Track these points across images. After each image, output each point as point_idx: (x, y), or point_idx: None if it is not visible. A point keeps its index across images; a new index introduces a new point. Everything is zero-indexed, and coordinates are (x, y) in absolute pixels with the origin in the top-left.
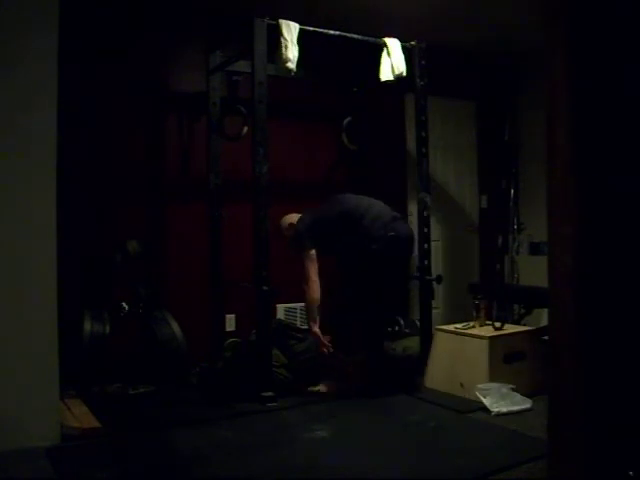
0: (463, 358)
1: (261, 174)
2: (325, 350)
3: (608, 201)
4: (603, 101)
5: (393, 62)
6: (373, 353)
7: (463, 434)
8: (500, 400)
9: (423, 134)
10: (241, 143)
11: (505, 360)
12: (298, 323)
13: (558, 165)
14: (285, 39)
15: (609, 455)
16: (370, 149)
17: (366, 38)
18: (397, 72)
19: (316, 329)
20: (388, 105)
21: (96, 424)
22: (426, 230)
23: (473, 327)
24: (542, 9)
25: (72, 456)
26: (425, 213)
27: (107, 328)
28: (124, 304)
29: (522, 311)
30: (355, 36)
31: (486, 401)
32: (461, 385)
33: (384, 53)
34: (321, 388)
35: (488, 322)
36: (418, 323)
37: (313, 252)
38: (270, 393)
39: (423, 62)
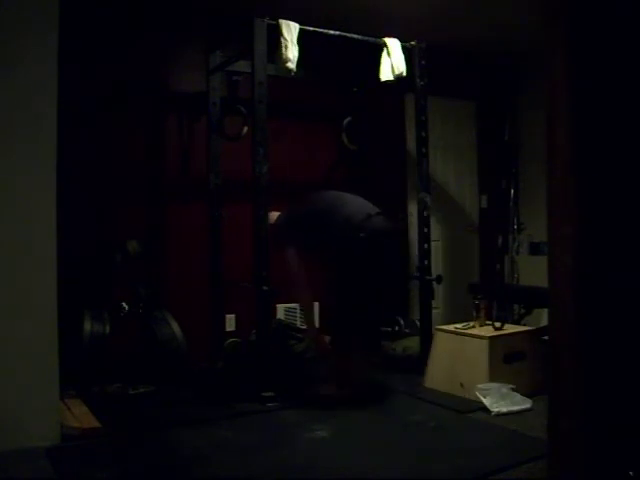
0: (463, 358)
1: (261, 174)
2: (323, 350)
3: (608, 201)
4: (603, 101)
5: (393, 62)
6: (359, 349)
7: (463, 434)
8: (500, 400)
9: (423, 134)
10: (241, 143)
11: (505, 360)
12: (298, 323)
13: (558, 165)
14: (285, 39)
15: (609, 455)
16: (370, 149)
17: (366, 38)
18: (397, 72)
19: (313, 329)
20: (388, 105)
21: (96, 424)
22: (426, 230)
23: (473, 327)
24: (542, 9)
25: (72, 456)
26: (425, 213)
27: (107, 328)
28: (124, 304)
29: (522, 311)
30: (355, 36)
31: (486, 401)
32: (461, 385)
33: (384, 53)
34: (322, 388)
35: (488, 322)
36: (418, 323)
37: (294, 250)
38: (270, 393)
39: (423, 62)
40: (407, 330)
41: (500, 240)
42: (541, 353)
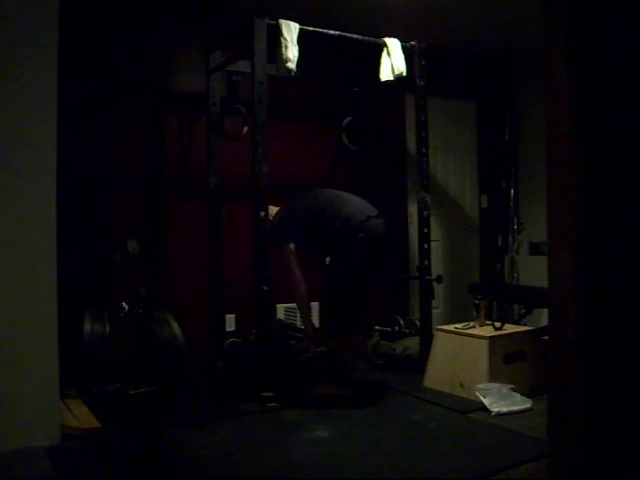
0: (463, 358)
1: (261, 174)
2: (317, 344)
3: (608, 201)
4: (603, 101)
5: (393, 62)
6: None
7: (463, 434)
8: (500, 400)
9: (423, 134)
10: (241, 143)
11: (505, 360)
12: (298, 323)
13: (558, 165)
14: (285, 39)
15: (609, 455)
16: (370, 149)
17: (366, 38)
18: (397, 72)
19: (310, 327)
20: (388, 105)
21: (96, 424)
22: (426, 230)
23: (473, 327)
24: (542, 9)
25: (72, 456)
26: (425, 213)
27: (107, 328)
28: (124, 304)
29: (522, 311)
30: (355, 36)
31: (486, 401)
32: (461, 385)
33: (384, 53)
34: (322, 388)
35: (488, 322)
36: (418, 323)
37: (292, 246)
38: (270, 393)
39: (423, 62)
40: (407, 330)
41: (500, 240)
42: (541, 353)
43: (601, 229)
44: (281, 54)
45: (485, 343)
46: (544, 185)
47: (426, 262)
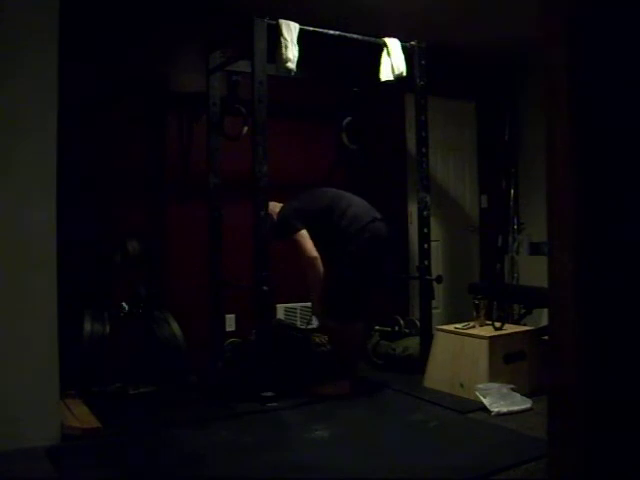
0: (463, 358)
1: (261, 174)
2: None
3: (608, 201)
4: (604, 100)
5: (393, 62)
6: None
7: (463, 434)
8: (500, 400)
9: (423, 134)
10: (241, 143)
11: (505, 360)
12: (298, 323)
13: (558, 165)
14: (285, 39)
15: (609, 455)
16: (370, 149)
17: (366, 38)
18: (397, 72)
19: (318, 306)
20: (388, 105)
21: (96, 424)
22: (426, 230)
23: (473, 327)
24: (542, 8)
25: (72, 456)
26: (425, 213)
27: (107, 328)
28: (124, 304)
29: (522, 311)
30: (355, 36)
31: (486, 401)
32: (461, 385)
33: (384, 53)
34: (322, 388)
35: (488, 322)
36: (418, 323)
37: (304, 231)
38: (270, 393)
39: (423, 62)
40: (407, 330)
41: (500, 240)
42: (541, 353)
43: (601, 229)
44: (281, 54)
45: (485, 343)
46: (544, 185)
47: (426, 262)
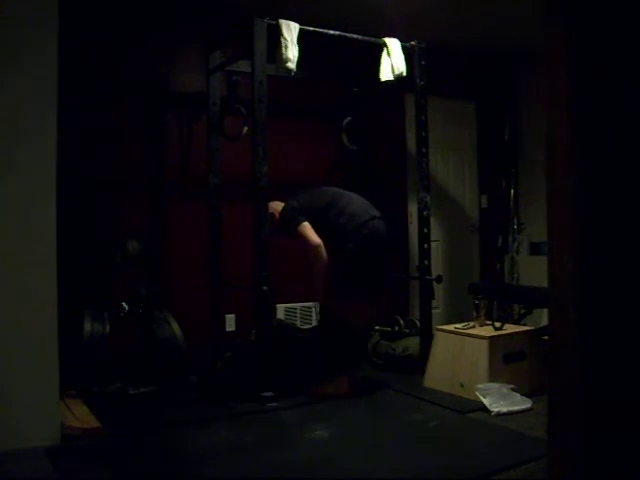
0: (463, 358)
1: (261, 174)
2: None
3: (608, 201)
4: (604, 99)
5: (393, 62)
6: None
7: (463, 434)
8: (500, 400)
9: (423, 134)
10: (241, 143)
11: (505, 360)
12: (298, 323)
13: (558, 165)
14: (285, 39)
15: (609, 455)
16: (370, 149)
17: (366, 38)
18: (397, 72)
19: (322, 295)
20: (388, 105)
21: (96, 424)
22: (426, 230)
23: (473, 327)
24: (541, 7)
25: (72, 456)
26: (425, 213)
27: (107, 328)
28: (124, 304)
29: (522, 311)
30: (355, 36)
31: (486, 401)
32: (461, 385)
33: (384, 53)
34: (322, 388)
35: (488, 322)
36: (418, 323)
37: (307, 223)
38: (270, 393)
39: (423, 62)
40: (407, 330)
41: (500, 240)
42: (541, 353)
43: (601, 229)
44: (281, 54)
45: (485, 343)
46: (544, 185)
47: (426, 262)
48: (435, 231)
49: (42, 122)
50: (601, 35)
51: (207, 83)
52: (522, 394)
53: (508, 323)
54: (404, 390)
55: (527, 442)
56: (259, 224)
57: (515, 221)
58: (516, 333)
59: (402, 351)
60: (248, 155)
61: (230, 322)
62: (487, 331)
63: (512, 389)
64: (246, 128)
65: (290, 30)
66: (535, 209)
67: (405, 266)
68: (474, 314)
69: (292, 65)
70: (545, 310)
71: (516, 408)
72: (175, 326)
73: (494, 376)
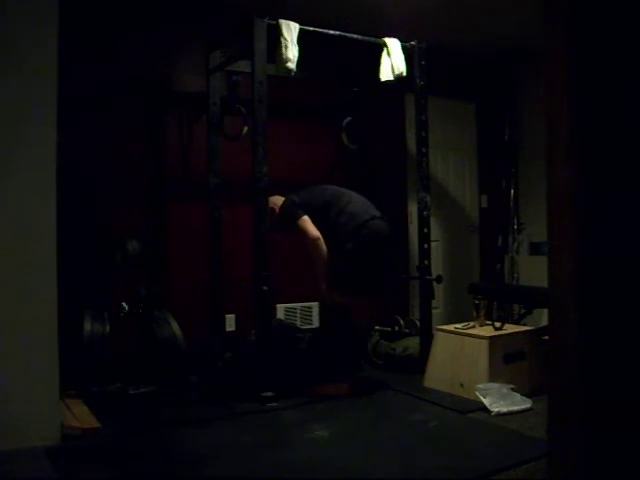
0: (463, 358)
1: (261, 174)
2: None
3: (608, 201)
4: (604, 99)
5: (393, 62)
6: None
7: (463, 434)
8: (500, 400)
9: (423, 134)
10: (241, 143)
11: (505, 360)
12: (298, 323)
13: (558, 165)
14: (285, 39)
15: (609, 455)
16: (370, 149)
17: (366, 38)
18: (397, 72)
19: (326, 287)
20: (388, 105)
21: (96, 424)
22: (426, 230)
23: (473, 327)
24: (541, 7)
25: (72, 456)
26: (425, 213)
27: (107, 328)
28: (124, 304)
29: (522, 311)
30: (355, 36)
31: (486, 401)
32: (461, 385)
33: (384, 53)
34: (322, 388)
35: (488, 322)
36: (418, 323)
37: (306, 216)
38: (270, 393)
39: (423, 62)
40: (407, 330)
41: (500, 240)
42: (541, 353)
43: (601, 229)
44: (281, 54)
45: (485, 343)
46: (544, 185)
47: (426, 262)
48: (435, 231)
49: (42, 122)
50: (601, 35)
51: (207, 83)
52: (522, 394)
53: (508, 323)
54: (404, 390)
55: (527, 442)
56: (259, 224)
57: (515, 221)
58: (516, 333)
59: (402, 351)
60: (248, 155)
61: (230, 322)
62: (487, 331)
63: (512, 389)
64: (246, 128)
65: (290, 30)
66: (535, 209)
67: (405, 266)
68: (474, 314)
69: (292, 65)
70: (545, 310)
71: (516, 408)
72: (175, 326)
73: (494, 376)
